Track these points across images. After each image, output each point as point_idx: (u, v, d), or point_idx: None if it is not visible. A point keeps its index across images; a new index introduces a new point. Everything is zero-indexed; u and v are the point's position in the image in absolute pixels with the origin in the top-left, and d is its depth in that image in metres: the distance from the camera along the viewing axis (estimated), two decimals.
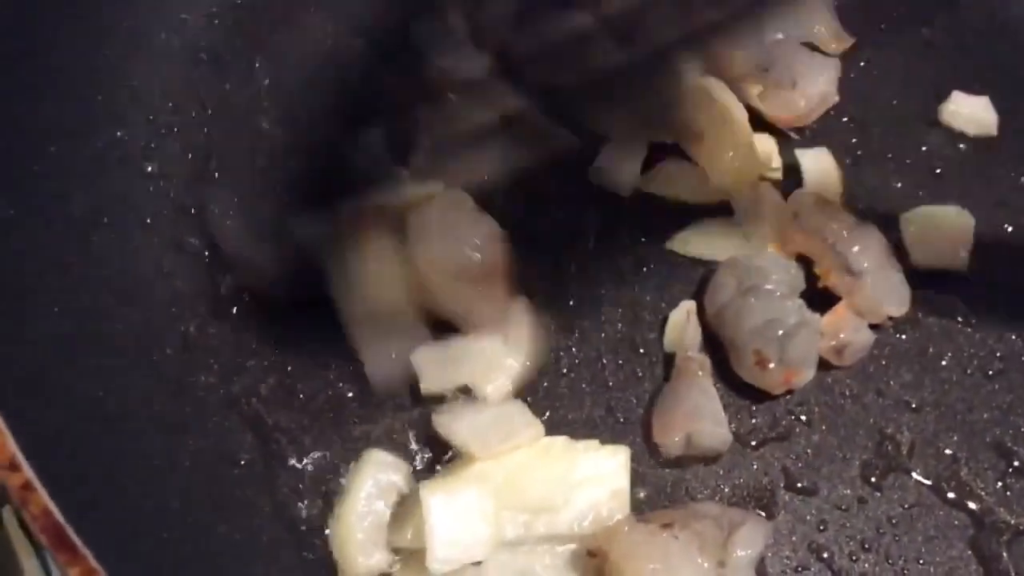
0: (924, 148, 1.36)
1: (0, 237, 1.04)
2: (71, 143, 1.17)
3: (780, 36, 1.37)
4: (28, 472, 0.81)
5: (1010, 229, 1.30)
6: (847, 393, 1.18)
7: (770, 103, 1.32)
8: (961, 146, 1.36)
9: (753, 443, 1.15)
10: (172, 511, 1.01)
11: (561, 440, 1.08)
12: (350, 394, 1.14)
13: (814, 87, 1.32)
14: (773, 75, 1.32)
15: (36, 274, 1.07)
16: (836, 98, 1.35)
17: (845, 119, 1.36)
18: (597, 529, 1.03)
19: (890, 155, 1.35)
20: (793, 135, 1.34)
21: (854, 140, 1.36)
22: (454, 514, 1.00)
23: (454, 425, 1.07)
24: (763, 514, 1.10)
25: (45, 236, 1.10)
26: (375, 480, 1.07)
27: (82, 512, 0.85)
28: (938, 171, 1.35)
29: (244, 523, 1.05)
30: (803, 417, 1.16)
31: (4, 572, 1.18)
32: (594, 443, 1.08)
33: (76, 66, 1.20)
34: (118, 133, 1.22)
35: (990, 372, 1.20)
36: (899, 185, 1.33)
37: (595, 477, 1.06)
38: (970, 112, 1.37)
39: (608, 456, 1.07)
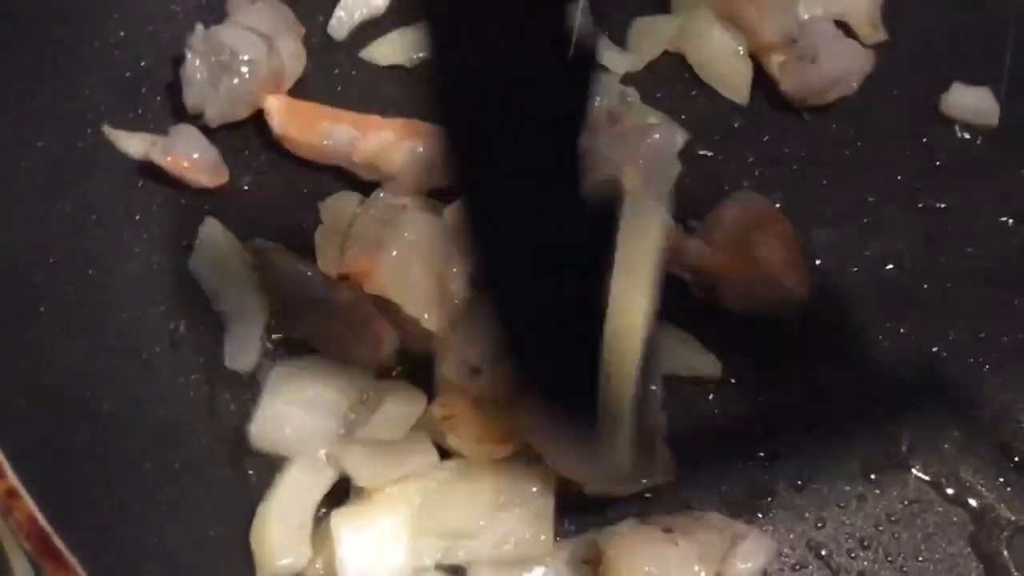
0: (924, 139, 1.35)
1: None
2: (59, 137, 1.15)
3: (819, 11, 1.36)
4: (12, 478, 0.79)
5: (1011, 222, 1.29)
6: (846, 387, 1.17)
7: (787, 75, 1.32)
8: (963, 137, 1.35)
9: (751, 439, 1.13)
10: (161, 515, 0.99)
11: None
12: None
13: (833, 67, 1.31)
14: (798, 47, 1.31)
15: (23, 272, 1.06)
16: (854, 86, 1.33)
17: (845, 110, 1.34)
18: (520, 554, 1.01)
19: (890, 146, 1.34)
20: (805, 115, 1.33)
21: (853, 131, 1.34)
22: (366, 545, 0.98)
23: (345, 457, 1.03)
24: (761, 516, 1.09)
25: (32, 233, 1.09)
26: (299, 481, 1.04)
27: (68, 518, 0.84)
28: (938, 163, 1.33)
29: (236, 527, 1.04)
30: (802, 412, 1.15)
31: None
32: (517, 464, 1.04)
33: (64, 58, 1.18)
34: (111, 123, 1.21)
35: (990, 368, 1.19)
36: (899, 177, 1.32)
37: (517, 499, 1.02)
38: (971, 103, 1.36)
39: (531, 477, 1.03)
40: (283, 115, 1.23)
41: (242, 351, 1.11)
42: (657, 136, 1.21)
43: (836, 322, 1.21)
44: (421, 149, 1.17)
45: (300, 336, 1.13)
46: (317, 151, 1.22)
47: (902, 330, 1.21)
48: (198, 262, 1.16)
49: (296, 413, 1.07)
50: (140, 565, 0.91)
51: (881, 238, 1.27)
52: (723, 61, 1.34)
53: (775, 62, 1.34)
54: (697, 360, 1.16)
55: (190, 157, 1.19)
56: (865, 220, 1.28)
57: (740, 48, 1.34)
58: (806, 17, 1.36)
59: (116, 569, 0.82)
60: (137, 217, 1.18)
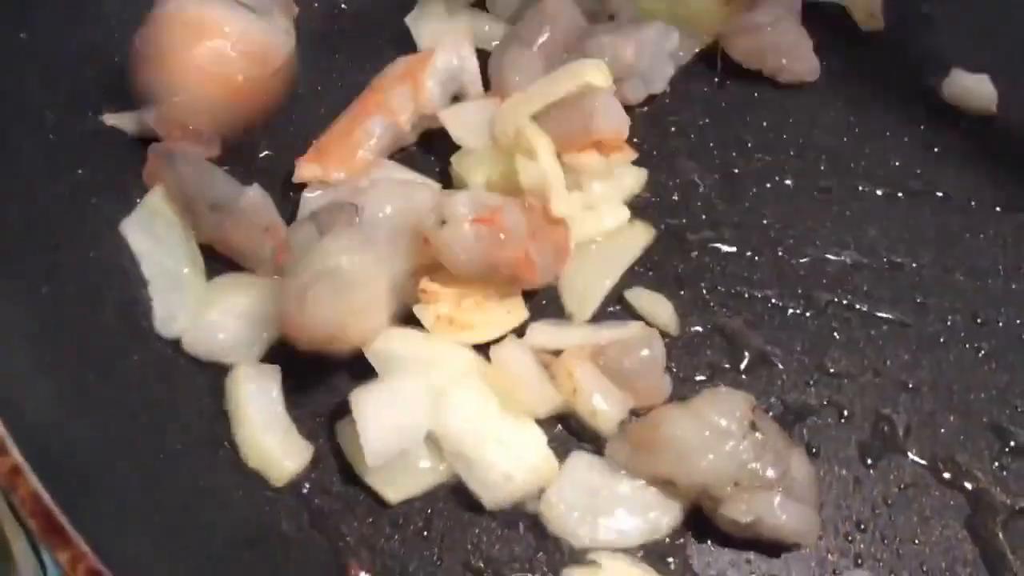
0: (922, 126, 1.35)
1: None
2: (59, 120, 1.15)
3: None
4: (16, 455, 0.80)
5: (1006, 210, 1.29)
6: (844, 373, 1.17)
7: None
8: (960, 123, 1.35)
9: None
10: (160, 492, 1.00)
11: None
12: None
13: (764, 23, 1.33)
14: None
15: (25, 255, 1.06)
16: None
17: (842, 96, 1.35)
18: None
19: (888, 133, 1.34)
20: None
21: (852, 118, 1.35)
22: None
23: None
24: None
25: (34, 216, 1.09)
26: (254, 390, 1.07)
27: (70, 495, 0.84)
28: (936, 149, 1.34)
29: (233, 503, 1.04)
30: (803, 399, 1.16)
31: None
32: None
33: (62, 41, 1.18)
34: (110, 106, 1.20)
35: (986, 352, 1.19)
36: (897, 164, 1.32)
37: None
38: (970, 89, 1.36)
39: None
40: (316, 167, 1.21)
41: (171, 317, 1.12)
42: (651, 31, 1.27)
43: (836, 307, 1.22)
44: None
45: (204, 240, 1.14)
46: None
47: (900, 315, 1.21)
48: (136, 223, 1.15)
49: (229, 322, 1.10)
50: (141, 542, 0.91)
51: (878, 225, 1.28)
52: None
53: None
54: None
55: (184, 127, 1.18)
56: (861, 206, 1.29)
57: None
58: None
59: (118, 545, 0.82)
60: (137, 200, 1.18)
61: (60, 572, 1.07)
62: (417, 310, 1.10)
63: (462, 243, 1.06)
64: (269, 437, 1.07)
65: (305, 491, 1.06)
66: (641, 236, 1.23)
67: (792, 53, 1.35)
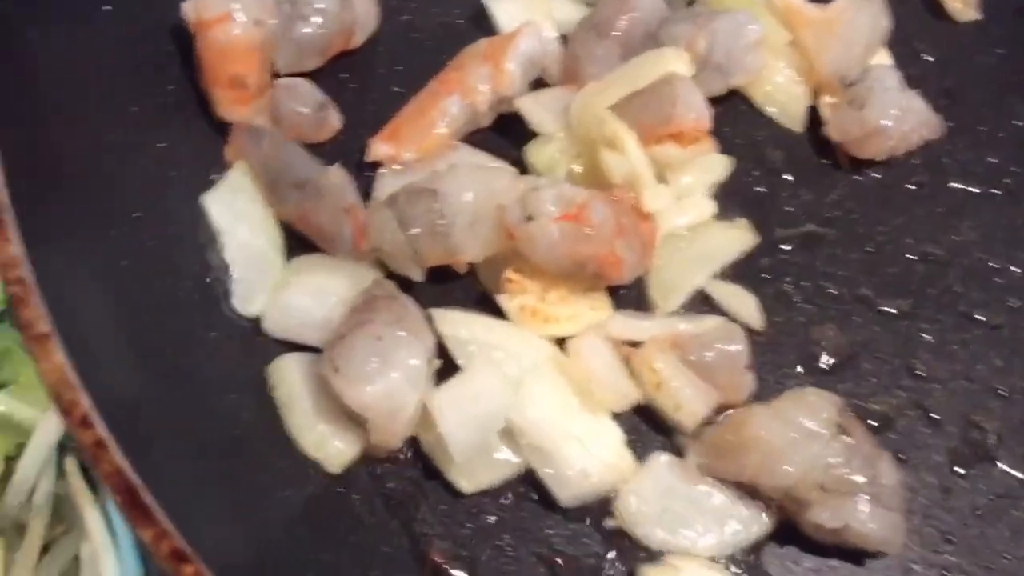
0: (1019, 122, 1.30)
1: (66, 189, 1.02)
2: (145, 92, 1.15)
3: (887, 61, 1.30)
4: (101, 429, 0.79)
5: None
6: (933, 377, 1.13)
7: (833, 119, 1.24)
8: None
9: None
10: (236, 469, 0.99)
11: None
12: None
13: (877, 117, 1.21)
14: (852, 91, 1.23)
15: (105, 226, 1.05)
16: (905, 146, 1.24)
17: (939, 89, 1.30)
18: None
19: (983, 128, 1.30)
20: (843, 163, 1.25)
21: (943, 112, 1.29)
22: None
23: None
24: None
25: (114, 187, 1.08)
26: (298, 381, 1.05)
27: (151, 471, 0.82)
28: None
29: (309, 483, 1.03)
30: (891, 402, 1.12)
31: (67, 521, 1.17)
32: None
33: (150, 14, 1.18)
34: (189, 81, 1.19)
35: None
36: (992, 161, 1.28)
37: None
38: None
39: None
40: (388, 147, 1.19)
41: (251, 295, 1.10)
42: (726, 21, 1.21)
43: (926, 307, 1.18)
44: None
45: (283, 219, 1.13)
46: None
47: (992, 318, 1.17)
48: (217, 199, 1.14)
49: (308, 303, 1.08)
50: (222, 519, 0.90)
51: (971, 223, 1.23)
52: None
53: (825, 101, 1.27)
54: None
55: (298, 111, 1.18)
56: (954, 204, 1.25)
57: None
58: (873, 63, 1.27)
59: (200, 523, 0.81)
60: (216, 176, 1.17)
61: (134, 543, 1.09)
62: (501, 300, 1.08)
63: (547, 240, 1.04)
64: (321, 426, 1.03)
65: (379, 474, 1.05)
66: (742, 238, 1.19)
67: None
